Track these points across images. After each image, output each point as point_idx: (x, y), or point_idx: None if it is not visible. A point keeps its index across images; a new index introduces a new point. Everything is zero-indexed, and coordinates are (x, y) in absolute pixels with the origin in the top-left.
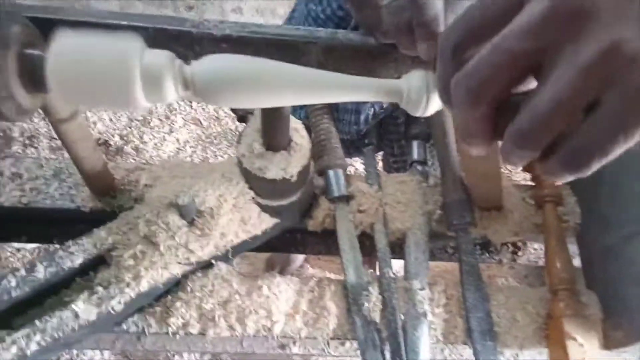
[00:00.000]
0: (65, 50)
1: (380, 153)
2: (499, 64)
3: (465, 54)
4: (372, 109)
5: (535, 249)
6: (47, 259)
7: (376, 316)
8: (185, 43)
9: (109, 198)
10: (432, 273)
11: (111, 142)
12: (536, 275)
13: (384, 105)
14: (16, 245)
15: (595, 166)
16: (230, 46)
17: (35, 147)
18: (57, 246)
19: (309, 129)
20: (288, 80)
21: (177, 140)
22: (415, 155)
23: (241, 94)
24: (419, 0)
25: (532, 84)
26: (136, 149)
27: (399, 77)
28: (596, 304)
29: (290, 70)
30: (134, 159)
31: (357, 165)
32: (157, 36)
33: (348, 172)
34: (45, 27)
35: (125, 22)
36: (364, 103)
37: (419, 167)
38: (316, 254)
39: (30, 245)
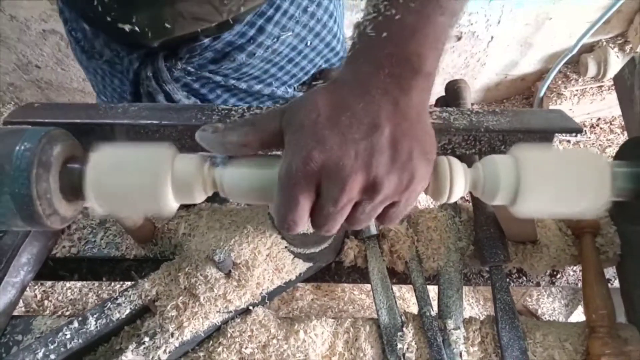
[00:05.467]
0: (102, 164)
1: None
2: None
3: None
4: None
5: (574, 271)
6: (98, 312)
7: (411, 356)
8: None
9: (151, 245)
10: None
11: None
12: (575, 297)
13: None
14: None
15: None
16: None
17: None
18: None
19: None
20: None
21: None
22: None
23: (267, 195)
24: None
25: None
26: None
27: None
28: (637, 339)
29: None
30: None
31: None
32: (187, 130)
33: None
34: (85, 131)
35: (156, 122)
36: None
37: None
38: (352, 283)
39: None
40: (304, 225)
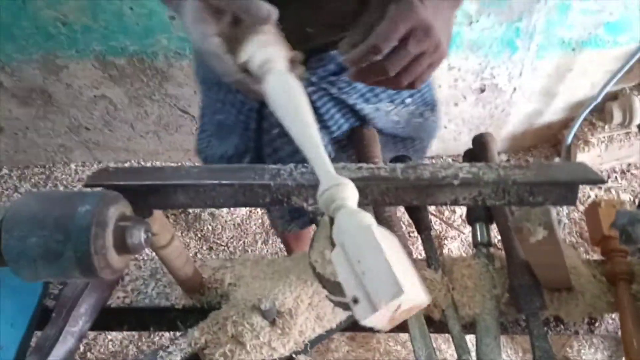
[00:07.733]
0: None
1: None
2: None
3: None
4: None
5: (613, 319)
6: (150, 359)
7: None
8: (265, 193)
9: (198, 295)
10: None
11: (189, 210)
12: (619, 349)
13: None
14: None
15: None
16: (303, 191)
17: None
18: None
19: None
20: None
21: None
22: (479, 237)
23: None
24: None
25: None
26: (212, 215)
27: (455, 200)
28: None
29: None
30: (210, 225)
31: None
32: (241, 188)
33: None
34: (152, 191)
35: (216, 182)
36: None
37: (484, 250)
38: (389, 332)
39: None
40: None
